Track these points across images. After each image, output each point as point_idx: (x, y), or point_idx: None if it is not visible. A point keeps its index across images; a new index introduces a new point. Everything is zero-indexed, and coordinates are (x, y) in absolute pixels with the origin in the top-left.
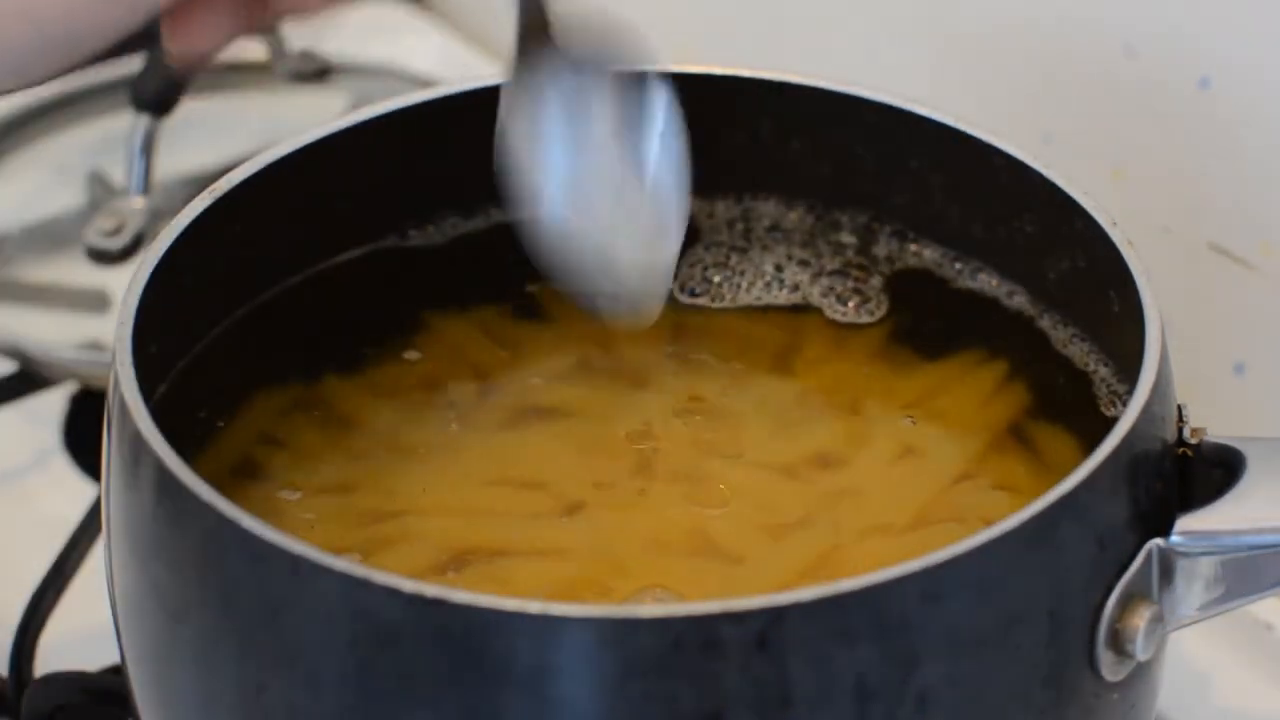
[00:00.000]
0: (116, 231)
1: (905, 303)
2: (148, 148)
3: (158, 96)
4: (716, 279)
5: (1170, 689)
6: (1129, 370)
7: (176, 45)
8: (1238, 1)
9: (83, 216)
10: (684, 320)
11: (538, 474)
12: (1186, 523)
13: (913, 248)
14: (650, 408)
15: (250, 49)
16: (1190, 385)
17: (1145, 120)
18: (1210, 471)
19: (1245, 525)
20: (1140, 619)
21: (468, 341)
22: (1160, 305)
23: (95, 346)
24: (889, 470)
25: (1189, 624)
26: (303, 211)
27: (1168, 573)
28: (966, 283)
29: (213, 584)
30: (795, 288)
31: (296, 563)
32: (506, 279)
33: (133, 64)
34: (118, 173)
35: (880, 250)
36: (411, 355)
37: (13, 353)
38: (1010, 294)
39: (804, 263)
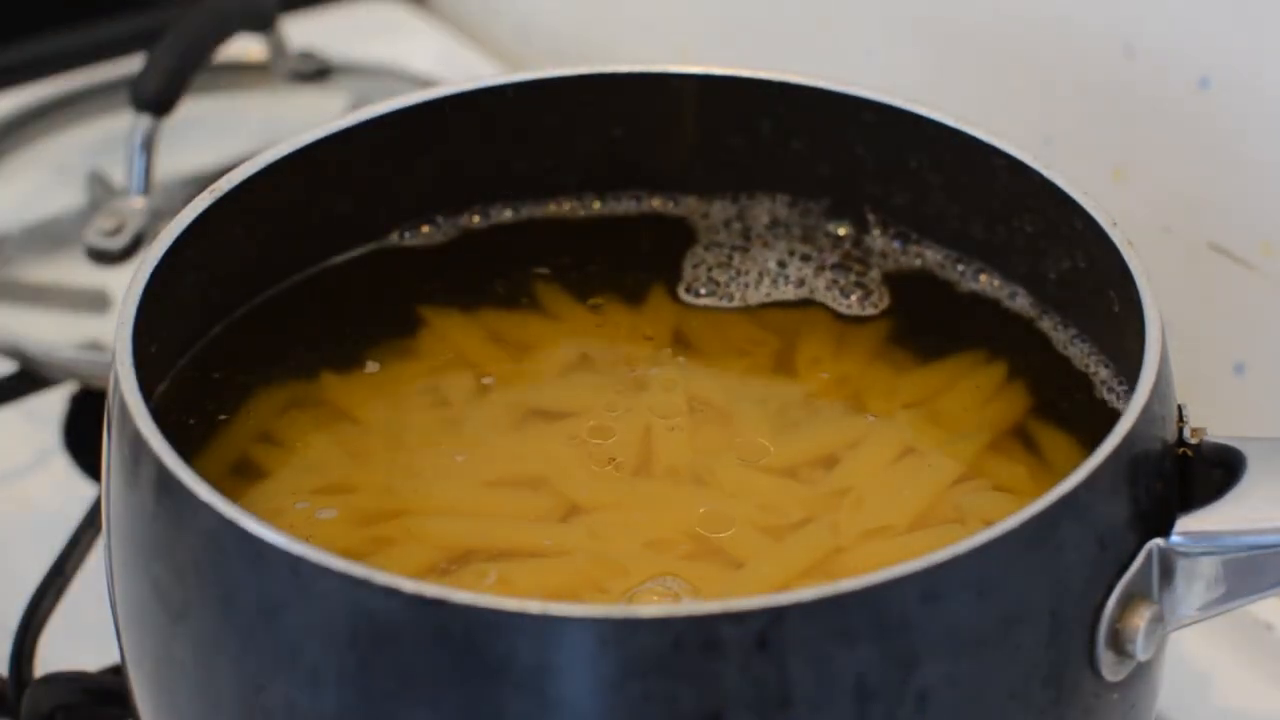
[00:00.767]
0: (116, 231)
1: (906, 303)
2: (148, 148)
3: (158, 96)
4: (722, 279)
5: (1170, 689)
6: (1129, 370)
7: None
8: (1238, 1)
9: (83, 216)
10: (687, 320)
11: (538, 474)
12: (1187, 523)
13: (914, 249)
14: (651, 408)
15: (250, 49)
16: (1190, 385)
17: (1145, 120)
18: (1210, 471)
19: (1245, 525)
20: (1140, 619)
21: (468, 341)
22: (1160, 305)
23: (95, 346)
24: (889, 471)
25: (1189, 624)
26: (303, 211)
27: (1168, 573)
28: (968, 284)
29: (213, 584)
30: (801, 282)
31: (296, 563)
32: (506, 279)
33: (133, 64)
34: (118, 173)
35: (880, 247)
36: (411, 355)
37: (13, 353)
38: (1011, 295)
39: (806, 257)
